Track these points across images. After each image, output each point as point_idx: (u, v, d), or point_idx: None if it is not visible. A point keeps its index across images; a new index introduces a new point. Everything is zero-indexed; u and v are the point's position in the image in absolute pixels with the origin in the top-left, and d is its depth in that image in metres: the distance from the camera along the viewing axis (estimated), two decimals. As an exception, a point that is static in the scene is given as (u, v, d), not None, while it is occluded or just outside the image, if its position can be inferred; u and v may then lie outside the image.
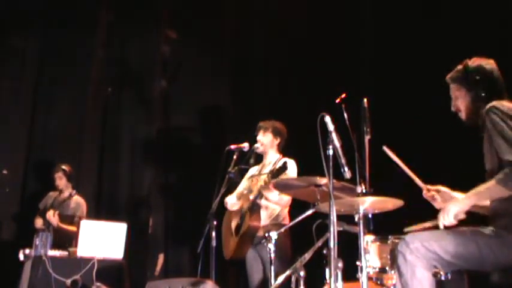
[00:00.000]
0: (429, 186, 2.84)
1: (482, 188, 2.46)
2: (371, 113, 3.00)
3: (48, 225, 5.42)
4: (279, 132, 4.39)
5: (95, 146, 6.59)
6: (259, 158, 4.51)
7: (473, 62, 2.70)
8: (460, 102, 2.72)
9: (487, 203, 2.62)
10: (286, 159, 4.23)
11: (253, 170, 4.51)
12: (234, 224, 4.25)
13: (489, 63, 2.68)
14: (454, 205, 2.49)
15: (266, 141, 4.34)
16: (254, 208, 4.08)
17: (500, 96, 2.60)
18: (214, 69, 6.64)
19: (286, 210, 4.26)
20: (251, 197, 4.11)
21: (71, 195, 5.59)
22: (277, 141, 4.38)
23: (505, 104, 2.51)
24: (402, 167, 2.86)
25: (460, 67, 2.73)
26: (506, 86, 2.68)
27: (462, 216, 2.50)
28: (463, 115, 2.74)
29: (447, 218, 2.47)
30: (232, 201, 4.35)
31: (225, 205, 4.36)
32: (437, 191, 2.81)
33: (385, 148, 2.86)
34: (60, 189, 5.70)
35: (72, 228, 5.40)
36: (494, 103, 2.52)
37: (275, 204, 4.16)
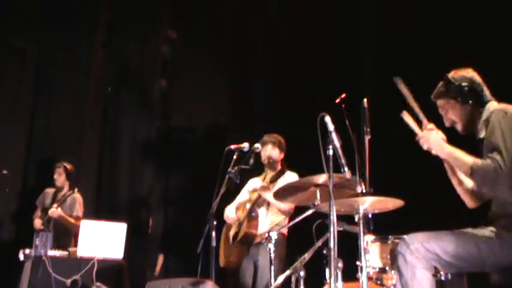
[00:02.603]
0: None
1: (458, 155, 2.53)
2: (371, 113, 3.00)
3: (47, 225, 5.42)
4: (283, 148, 4.43)
5: (95, 146, 6.59)
6: (259, 158, 4.50)
7: (455, 73, 2.74)
8: (452, 113, 2.74)
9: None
10: (292, 173, 4.28)
11: (254, 182, 4.50)
12: (232, 233, 4.28)
13: (469, 72, 2.73)
14: (433, 142, 2.62)
15: (275, 155, 4.36)
16: (252, 215, 4.09)
17: (487, 100, 2.67)
18: (214, 69, 6.65)
19: (287, 220, 4.26)
20: (248, 205, 4.13)
21: (73, 192, 5.57)
22: (282, 155, 4.42)
23: (506, 108, 2.55)
24: (410, 102, 2.85)
25: (442, 83, 2.77)
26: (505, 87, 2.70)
27: None
28: (459, 126, 2.75)
29: (424, 144, 2.67)
30: (231, 216, 4.34)
31: (225, 219, 4.37)
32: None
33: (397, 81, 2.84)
34: (58, 186, 5.68)
35: (73, 221, 5.38)
36: (496, 107, 2.58)
37: (278, 209, 4.15)
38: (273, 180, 3.95)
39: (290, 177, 4.17)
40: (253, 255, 4.14)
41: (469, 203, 2.75)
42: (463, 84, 2.68)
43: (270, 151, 4.34)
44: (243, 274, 4.20)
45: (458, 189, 2.77)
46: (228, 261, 4.17)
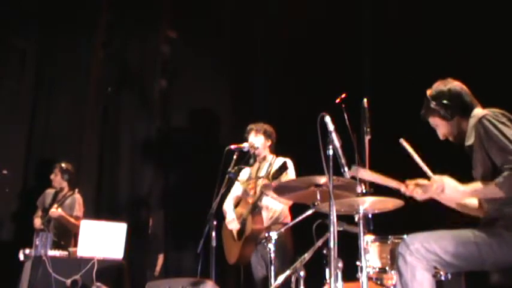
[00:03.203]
0: (407, 182, 2.73)
1: (479, 186, 2.49)
2: (371, 113, 3.00)
3: (47, 225, 5.42)
4: (269, 135, 4.39)
5: (95, 146, 6.60)
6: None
7: (433, 89, 2.76)
8: (441, 129, 2.78)
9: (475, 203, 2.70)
10: (283, 158, 4.23)
11: (245, 173, 4.49)
12: (236, 230, 4.25)
13: (448, 83, 2.74)
14: (450, 190, 2.50)
15: (259, 143, 4.34)
16: (255, 210, 4.08)
17: (472, 107, 2.68)
18: (214, 69, 6.65)
19: (287, 209, 4.26)
20: (250, 201, 4.11)
21: (73, 193, 5.56)
22: (268, 143, 4.39)
23: (495, 111, 2.55)
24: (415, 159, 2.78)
25: (425, 102, 2.79)
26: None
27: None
28: (451, 138, 2.79)
29: (435, 191, 2.52)
30: (231, 217, 4.30)
31: (223, 214, 4.36)
32: (416, 185, 2.69)
33: (402, 141, 2.83)
34: (55, 186, 5.68)
35: (73, 221, 5.38)
36: (485, 112, 2.57)
37: (278, 201, 4.15)
38: (275, 176, 3.93)
39: (291, 170, 4.15)
40: (261, 249, 4.13)
41: (480, 213, 2.74)
42: (443, 101, 2.70)
43: (253, 138, 4.33)
44: (256, 270, 4.19)
45: (467, 211, 2.77)
46: (237, 258, 4.15)
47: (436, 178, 2.55)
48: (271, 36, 6.23)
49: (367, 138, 2.95)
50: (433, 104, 2.72)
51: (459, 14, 4.57)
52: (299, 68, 5.78)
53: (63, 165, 5.66)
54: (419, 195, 2.65)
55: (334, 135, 2.67)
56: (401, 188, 2.72)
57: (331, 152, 2.65)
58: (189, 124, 6.73)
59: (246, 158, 4.32)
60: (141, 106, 6.82)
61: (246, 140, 4.31)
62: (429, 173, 2.71)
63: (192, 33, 6.66)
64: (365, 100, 3.02)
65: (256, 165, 4.42)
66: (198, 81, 6.53)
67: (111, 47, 6.78)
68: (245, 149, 4.24)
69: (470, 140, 2.62)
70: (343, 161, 2.65)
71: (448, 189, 2.51)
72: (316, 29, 5.68)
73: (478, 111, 2.65)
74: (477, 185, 2.50)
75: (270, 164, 4.26)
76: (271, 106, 5.89)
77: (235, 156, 4.14)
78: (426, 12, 4.88)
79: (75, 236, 5.21)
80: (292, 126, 5.14)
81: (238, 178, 4.46)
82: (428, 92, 2.78)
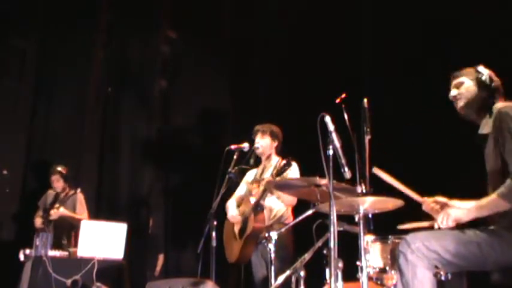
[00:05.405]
0: (426, 199, 2.73)
1: (484, 202, 2.46)
2: (371, 113, 3.00)
3: (48, 225, 5.42)
4: (276, 136, 4.38)
5: (95, 146, 6.60)
6: (259, 159, 4.50)
7: (485, 68, 2.73)
8: (465, 89, 2.71)
9: None
10: (294, 164, 4.23)
11: (251, 174, 4.49)
12: (237, 228, 4.24)
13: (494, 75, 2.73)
14: (455, 213, 2.48)
15: (264, 144, 4.33)
16: (258, 209, 4.07)
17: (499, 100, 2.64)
18: (214, 69, 6.65)
19: (290, 210, 4.26)
20: (253, 199, 4.11)
21: (75, 193, 5.58)
22: (275, 144, 4.38)
23: None
24: (396, 186, 2.76)
25: (472, 68, 2.74)
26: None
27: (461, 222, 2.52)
28: (460, 102, 2.72)
29: (445, 222, 2.48)
30: (233, 213, 4.30)
31: (226, 210, 4.35)
32: (436, 202, 2.69)
33: (375, 170, 2.81)
34: (56, 190, 5.70)
35: (77, 216, 5.38)
36: (505, 104, 2.55)
37: (281, 200, 4.15)
38: (279, 173, 3.93)
39: (295, 171, 4.15)
40: (261, 249, 4.12)
41: None
42: (486, 76, 2.67)
43: (259, 140, 4.33)
44: (256, 270, 4.17)
45: None
46: (238, 257, 4.14)
47: (442, 213, 2.52)
48: (271, 36, 6.24)
49: (367, 138, 2.95)
50: (477, 73, 2.69)
51: (459, 14, 4.57)
52: (299, 68, 5.78)
53: (61, 169, 5.69)
54: (438, 214, 2.60)
55: (334, 135, 2.67)
56: (423, 204, 2.71)
57: (331, 152, 2.65)
58: (189, 124, 6.73)
59: (246, 158, 4.32)
60: (141, 106, 6.83)
61: (252, 141, 4.30)
62: (415, 196, 2.71)
63: (192, 33, 6.67)
64: (365, 100, 3.03)
65: (262, 166, 4.42)
66: (198, 81, 6.54)
67: (111, 47, 6.78)
68: (245, 149, 4.24)
69: (485, 129, 2.60)
70: (343, 161, 2.65)
71: (454, 214, 2.47)
72: (316, 28, 5.69)
73: (498, 105, 2.62)
74: (481, 202, 2.47)
75: (275, 167, 4.26)
76: (271, 106, 5.89)
77: (235, 157, 4.14)
78: (426, 12, 4.88)
79: (76, 235, 5.21)
80: (292, 126, 5.14)
81: (244, 179, 4.47)
82: (481, 66, 2.74)
